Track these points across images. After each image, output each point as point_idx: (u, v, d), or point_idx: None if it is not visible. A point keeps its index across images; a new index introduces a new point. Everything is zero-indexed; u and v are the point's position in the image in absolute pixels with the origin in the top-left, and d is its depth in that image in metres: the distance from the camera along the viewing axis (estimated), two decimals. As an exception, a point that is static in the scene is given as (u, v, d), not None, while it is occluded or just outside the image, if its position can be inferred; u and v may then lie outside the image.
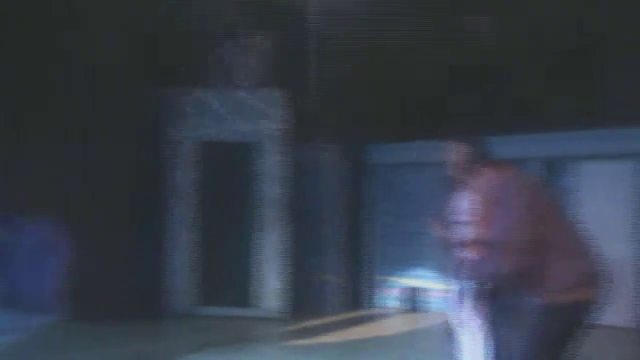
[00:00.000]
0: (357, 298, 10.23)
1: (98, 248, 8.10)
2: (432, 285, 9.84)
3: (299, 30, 9.86)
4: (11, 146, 9.06)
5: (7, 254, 8.85)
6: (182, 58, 9.47)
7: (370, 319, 9.51)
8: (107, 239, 8.12)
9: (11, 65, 9.07)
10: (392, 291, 10.24)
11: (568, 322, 3.26)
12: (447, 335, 3.63)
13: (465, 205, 4.14)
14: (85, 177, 8.23)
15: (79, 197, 8.28)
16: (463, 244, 4.00)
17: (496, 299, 3.63)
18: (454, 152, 4.31)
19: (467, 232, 3.99)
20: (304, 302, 9.83)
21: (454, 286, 4.23)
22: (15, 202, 8.95)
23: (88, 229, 8.13)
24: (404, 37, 9.81)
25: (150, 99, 9.14)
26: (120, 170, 8.28)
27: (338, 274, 9.90)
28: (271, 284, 8.88)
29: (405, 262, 10.12)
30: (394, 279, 10.23)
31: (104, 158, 8.16)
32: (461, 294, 4.05)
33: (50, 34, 8.83)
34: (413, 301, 9.99)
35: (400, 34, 9.88)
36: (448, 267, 4.26)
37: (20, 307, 8.65)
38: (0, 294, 8.95)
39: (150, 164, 9.19)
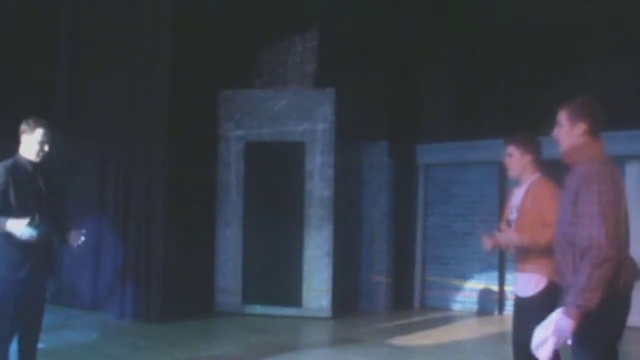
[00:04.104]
0: (406, 298, 10.15)
1: (148, 247, 8.24)
2: (482, 286, 9.71)
3: (347, 30, 9.84)
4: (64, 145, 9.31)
5: (63, 252, 9.09)
6: (232, 58, 9.56)
7: (419, 319, 9.42)
8: (157, 238, 8.24)
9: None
10: (442, 292, 10.12)
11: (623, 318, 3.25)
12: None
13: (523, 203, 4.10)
14: (135, 176, 8.38)
15: (129, 197, 8.44)
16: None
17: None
18: (508, 152, 4.24)
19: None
20: (353, 302, 9.81)
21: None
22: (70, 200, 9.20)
23: (138, 228, 8.28)
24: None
25: (198, 98, 9.25)
26: (170, 169, 8.40)
27: (387, 274, 9.84)
28: (319, 284, 8.88)
29: (455, 263, 9.99)
30: (443, 279, 10.12)
31: (154, 156, 8.28)
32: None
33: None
34: (463, 302, 9.86)
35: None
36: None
37: (75, 304, 8.88)
38: (56, 292, 9.20)
39: (200, 162, 9.31)
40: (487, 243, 4.35)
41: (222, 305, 9.11)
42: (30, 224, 4.34)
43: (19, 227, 4.32)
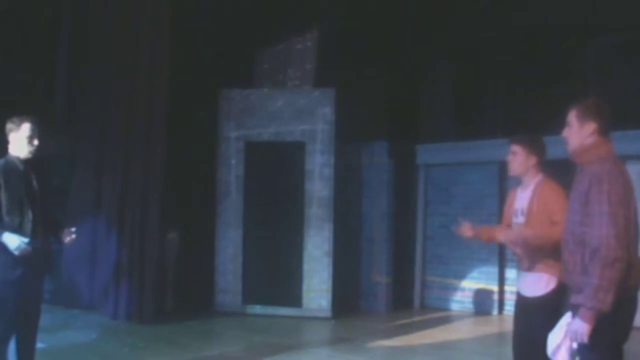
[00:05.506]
0: (406, 298, 10.15)
1: (148, 247, 8.23)
2: (481, 286, 9.71)
3: (347, 30, 9.84)
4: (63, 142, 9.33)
5: (62, 252, 9.09)
6: (232, 58, 9.56)
7: (419, 319, 9.41)
8: (157, 238, 8.24)
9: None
10: (442, 292, 10.12)
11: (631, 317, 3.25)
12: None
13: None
14: (134, 176, 8.37)
15: (128, 197, 8.44)
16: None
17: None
18: (513, 150, 4.21)
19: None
20: (353, 302, 9.81)
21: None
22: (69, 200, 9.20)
23: (138, 228, 8.27)
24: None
25: (198, 98, 9.25)
26: (169, 168, 8.39)
27: (387, 274, 9.83)
28: (319, 284, 8.88)
29: (455, 263, 9.98)
30: (443, 279, 10.11)
31: (153, 156, 8.27)
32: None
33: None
34: (463, 302, 9.86)
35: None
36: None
37: (75, 304, 8.87)
38: (55, 292, 9.20)
39: (200, 162, 9.31)
40: (467, 232, 4.31)
41: (222, 305, 9.10)
42: (28, 244, 4.34)
43: (14, 242, 4.32)
